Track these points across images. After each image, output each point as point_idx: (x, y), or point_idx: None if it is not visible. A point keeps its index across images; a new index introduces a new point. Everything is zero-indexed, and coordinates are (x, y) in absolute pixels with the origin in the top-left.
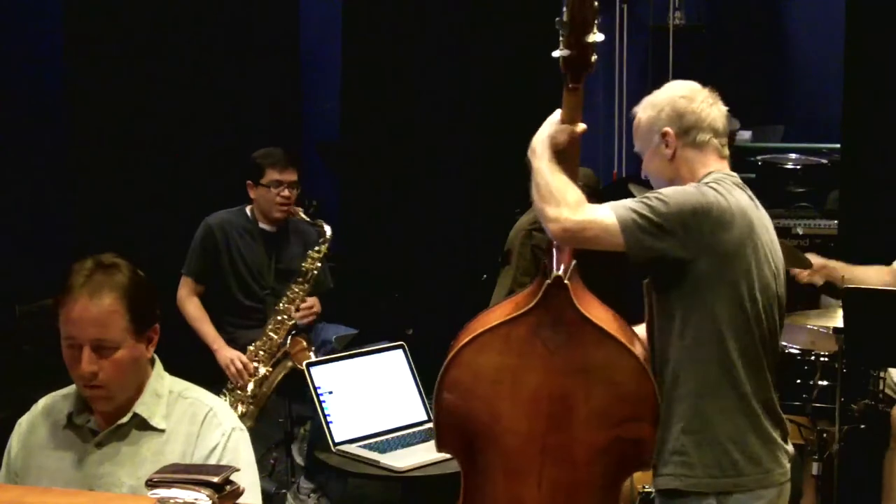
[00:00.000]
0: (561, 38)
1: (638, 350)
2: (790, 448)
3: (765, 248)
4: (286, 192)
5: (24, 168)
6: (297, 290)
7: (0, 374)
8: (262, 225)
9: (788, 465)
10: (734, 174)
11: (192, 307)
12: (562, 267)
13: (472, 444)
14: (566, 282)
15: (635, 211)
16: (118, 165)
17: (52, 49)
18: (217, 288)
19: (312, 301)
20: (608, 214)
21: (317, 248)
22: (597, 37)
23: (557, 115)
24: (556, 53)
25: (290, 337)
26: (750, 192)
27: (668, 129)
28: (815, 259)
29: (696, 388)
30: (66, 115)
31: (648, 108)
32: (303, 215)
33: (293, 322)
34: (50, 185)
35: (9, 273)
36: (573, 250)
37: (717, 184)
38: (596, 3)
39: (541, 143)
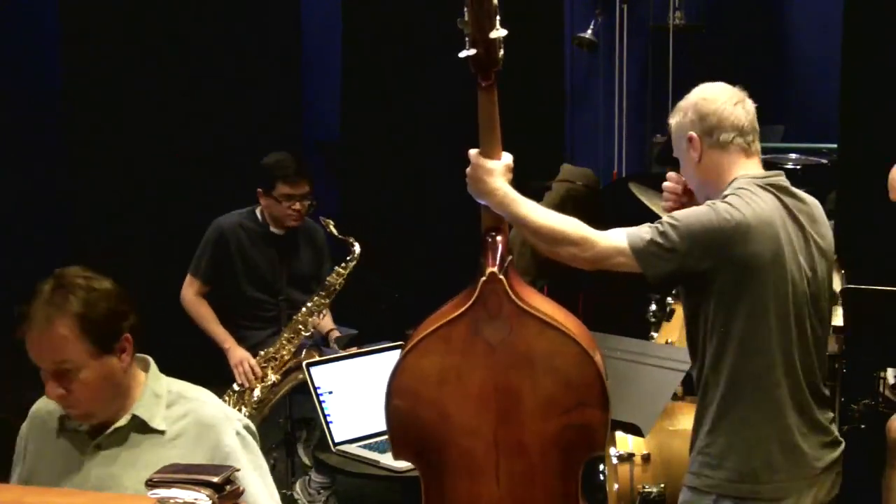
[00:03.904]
0: (466, 38)
1: (580, 336)
2: (831, 455)
3: (795, 249)
4: (297, 206)
5: (22, 168)
6: (318, 301)
7: None
8: (272, 229)
9: (818, 470)
10: (764, 174)
11: (201, 308)
12: (497, 262)
13: (427, 448)
14: (500, 276)
15: (648, 236)
16: (117, 165)
17: (49, 49)
18: (229, 288)
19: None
20: (621, 241)
21: (343, 265)
22: (500, 32)
23: (476, 155)
24: (462, 54)
25: (304, 350)
26: (782, 192)
27: (692, 133)
28: None
29: (723, 395)
30: (64, 115)
31: (677, 114)
32: (332, 229)
33: (309, 334)
34: (48, 185)
35: (7, 274)
36: (507, 244)
37: (736, 195)
38: (495, 0)
39: (494, 194)
